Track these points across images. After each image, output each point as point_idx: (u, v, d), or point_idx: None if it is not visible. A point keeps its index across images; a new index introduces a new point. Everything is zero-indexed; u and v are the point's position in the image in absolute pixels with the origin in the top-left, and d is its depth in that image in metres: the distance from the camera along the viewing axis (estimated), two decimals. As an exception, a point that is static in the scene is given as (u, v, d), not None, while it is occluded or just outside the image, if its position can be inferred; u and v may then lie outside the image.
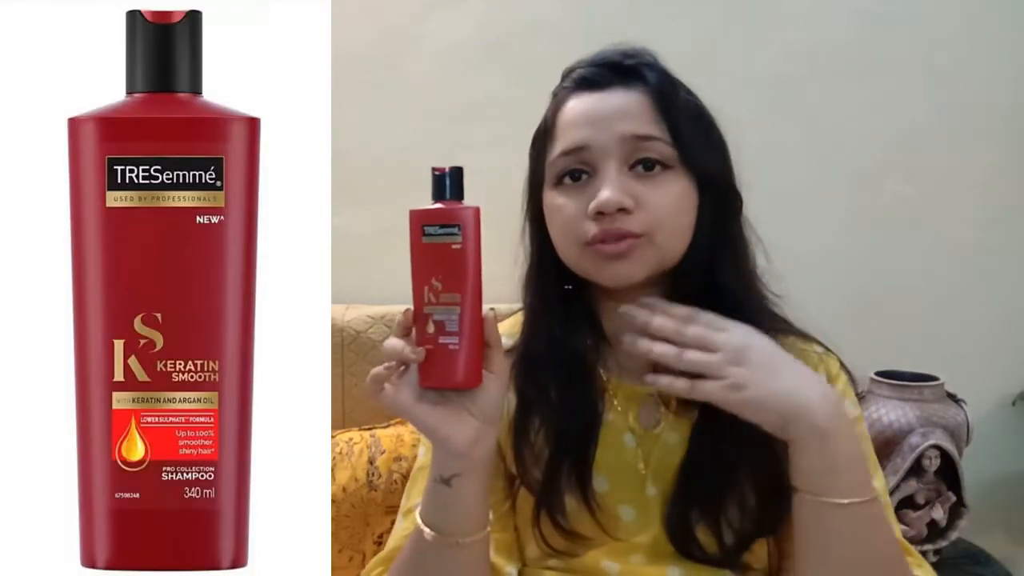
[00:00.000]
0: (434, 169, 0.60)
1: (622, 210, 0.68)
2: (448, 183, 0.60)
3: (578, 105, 0.72)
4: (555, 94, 0.76)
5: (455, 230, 0.59)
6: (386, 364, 0.60)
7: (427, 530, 0.64)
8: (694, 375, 0.63)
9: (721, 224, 0.73)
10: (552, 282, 0.77)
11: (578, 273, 0.73)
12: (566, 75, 0.76)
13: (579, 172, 0.71)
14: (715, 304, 0.69)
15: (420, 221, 0.60)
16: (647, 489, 0.74)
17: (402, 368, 0.61)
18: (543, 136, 0.76)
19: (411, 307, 0.61)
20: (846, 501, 0.61)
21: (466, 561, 0.65)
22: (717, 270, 0.72)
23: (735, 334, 0.64)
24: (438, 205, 0.60)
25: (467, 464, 0.62)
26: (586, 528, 0.73)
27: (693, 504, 0.72)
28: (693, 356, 0.63)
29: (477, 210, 0.60)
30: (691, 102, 0.73)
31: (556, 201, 0.72)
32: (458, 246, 0.59)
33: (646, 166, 0.69)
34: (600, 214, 0.68)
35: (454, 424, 0.61)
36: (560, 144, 0.72)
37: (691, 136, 0.70)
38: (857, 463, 0.63)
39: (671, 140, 0.69)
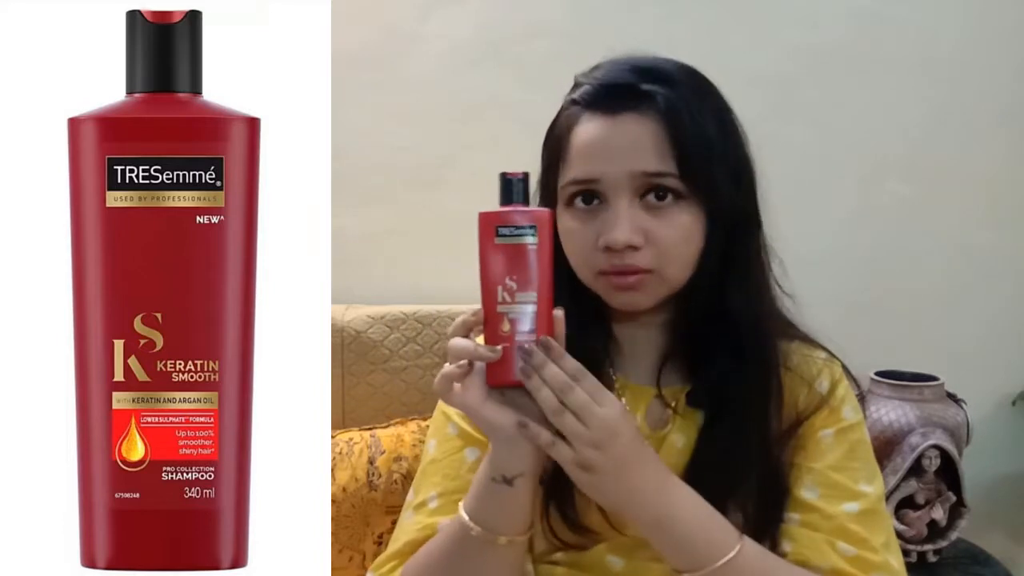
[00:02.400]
0: (505, 174, 0.64)
1: (631, 247, 0.68)
2: (520, 188, 0.63)
3: (589, 131, 0.71)
4: (565, 105, 0.74)
5: (531, 230, 0.62)
6: (458, 363, 0.62)
7: (476, 528, 0.66)
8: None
9: (732, 249, 0.72)
10: (562, 281, 0.77)
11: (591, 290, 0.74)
12: (577, 85, 0.74)
13: (591, 196, 0.71)
14: (722, 320, 0.71)
15: (494, 223, 0.62)
16: None
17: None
18: (556, 146, 0.74)
19: (479, 307, 0.63)
20: (704, 572, 0.64)
21: (511, 558, 0.68)
22: (726, 292, 0.72)
23: (610, 414, 0.62)
24: (508, 208, 0.63)
25: (531, 463, 0.64)
26: (594, 522, 0.74)
27: None
28: (568, 422, 0.61)
29: (552, 212, 0.65)
30: (704, 127, 0.70)
31: (568, 224, 0.72)
32: (534, 246, 0.62)
33: (658, 196, 0.69)
34: (609, 249, 0.69)
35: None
36: (572, 171, 0.72)
37: (702, 167, 0.69)
38: (700, 535, 0.65)
39: (680, 175, 0.69)
